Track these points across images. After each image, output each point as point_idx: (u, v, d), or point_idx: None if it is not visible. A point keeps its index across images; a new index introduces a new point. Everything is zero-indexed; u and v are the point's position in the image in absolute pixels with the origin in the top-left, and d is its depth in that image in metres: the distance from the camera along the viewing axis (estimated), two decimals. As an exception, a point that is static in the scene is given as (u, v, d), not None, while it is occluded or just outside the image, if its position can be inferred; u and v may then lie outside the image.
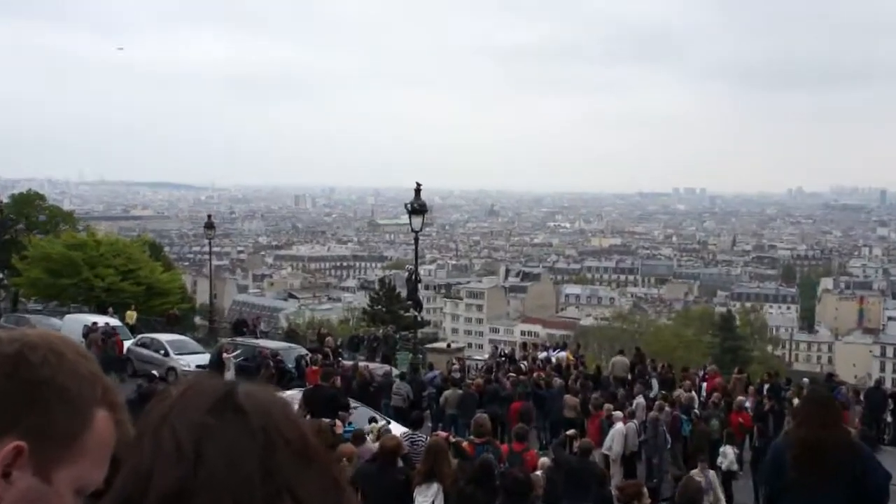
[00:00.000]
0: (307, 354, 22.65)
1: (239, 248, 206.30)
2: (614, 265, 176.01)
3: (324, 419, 11.54)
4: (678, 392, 18.52)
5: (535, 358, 23.81)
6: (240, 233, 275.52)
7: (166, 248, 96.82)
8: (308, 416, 12.13)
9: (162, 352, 24.86)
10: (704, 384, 20.82)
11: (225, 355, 22.27)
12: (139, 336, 26.77)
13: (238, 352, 22.70)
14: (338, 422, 11.71)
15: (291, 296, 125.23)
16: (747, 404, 17.70)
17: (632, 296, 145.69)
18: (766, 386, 20.90)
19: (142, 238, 45.95)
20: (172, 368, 23.65)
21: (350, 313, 53.53)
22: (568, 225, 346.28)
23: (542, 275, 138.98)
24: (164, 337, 26.23)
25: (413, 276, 23.69)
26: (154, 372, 19.33)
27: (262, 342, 25.47)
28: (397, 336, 30.75)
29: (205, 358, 24.43)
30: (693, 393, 18.83)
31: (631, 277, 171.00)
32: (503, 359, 24.79)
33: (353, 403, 14.98)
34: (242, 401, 0.92)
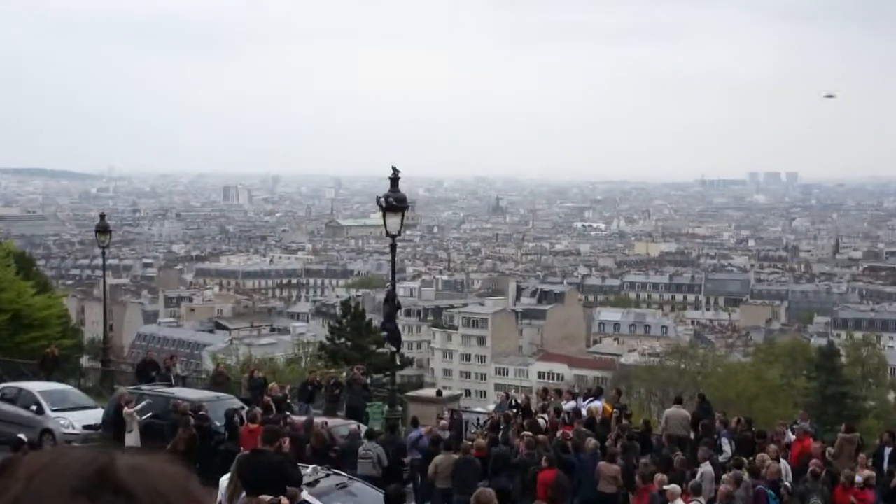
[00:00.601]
0: (242, 408, 22.65)
1: (146, 260, 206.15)
2: (668, 280, 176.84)
3: (264, 497, 11.54)
4: (761, 457, 18.60)
5: (558, 410, 23.86)
6: (147, 239, 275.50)
7: (40, 262, 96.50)
8: (243, 494, 12.15)
9: (34, 407, 24.84)
10: (795, 447, 20.87)
11: (126, 410, 22.21)
12: (0, 386, 26.72)
13: (144, 405, 22.69)
14: (284, 500, 11.72)
15: (220, 326, 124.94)
16: (859, 478, 17.73)
17: (693, 322, 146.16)
18: (889, 450, 20.70)
19: (4, 246, 45.53)
20: (48, 430, 23.60)
21: (302, 349, 53.55)
22: (602, 226, 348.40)
23: (568, 294, 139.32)
24: (36, 386, 26.21)
25: (390, 298, 23.72)
26: (21, 436, 18.89)
27: (179, 391, 25.53)
28: (368, 381, 30.72)
29: (96, 415, 24.45)
30: (782, 460, 18.91)
31: (691, 297, 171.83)
32: (515, 411, 24.82)
33: (312, 472, 14.98)
34: (125, 479, 0.87)
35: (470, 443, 19.65)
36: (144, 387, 25.79)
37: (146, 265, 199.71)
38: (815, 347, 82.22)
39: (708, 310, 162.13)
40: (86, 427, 24.67)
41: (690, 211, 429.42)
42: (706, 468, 17.65)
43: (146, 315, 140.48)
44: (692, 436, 21.66)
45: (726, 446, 20.76)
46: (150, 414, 22.89)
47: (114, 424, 22.74)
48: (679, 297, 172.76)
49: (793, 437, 21.05)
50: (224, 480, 13.46)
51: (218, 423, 22.04)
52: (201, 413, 21.81)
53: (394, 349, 24.63)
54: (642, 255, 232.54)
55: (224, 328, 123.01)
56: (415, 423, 21.74)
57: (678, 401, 24.44)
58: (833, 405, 55.55)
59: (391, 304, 23.81)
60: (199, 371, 48.71)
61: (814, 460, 18.28)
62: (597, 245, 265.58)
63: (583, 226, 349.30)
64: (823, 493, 16.71)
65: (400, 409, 24.61)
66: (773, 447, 19.70)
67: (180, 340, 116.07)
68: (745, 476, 16.75)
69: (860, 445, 21.09)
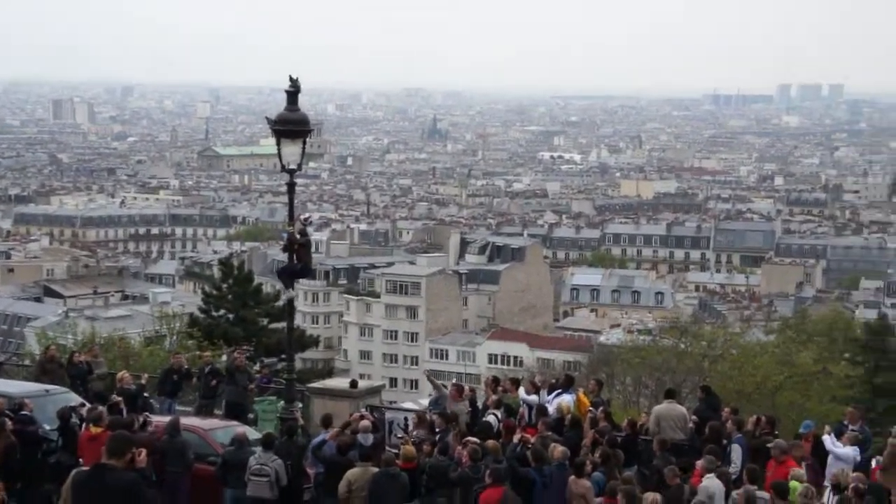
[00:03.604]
0: (82, 405, 22.49)
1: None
2: (664, 232, 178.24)
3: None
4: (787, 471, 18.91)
5: (513, 407, 24.06)
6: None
7: None
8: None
9: None
10: (835, 452, 21.17)
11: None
12: None
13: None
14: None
15: (50, 292, 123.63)
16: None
17: (697, 288, 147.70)
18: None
19: None
20: None
21: (165, 324, 53.16)
22: (577, 157, 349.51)
23: (530, 250, 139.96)
24: None
25: (289, 237, 23.26)
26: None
27: (-8, 383, 25.18)
28: (255, 367, 30.65)
29: None
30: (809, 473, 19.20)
31: (695, 254, 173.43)
32: (464, 406, 24.97)
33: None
34: None
35: (395, 451, 19.76)
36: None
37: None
38: (861, 322, 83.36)
39: (718, 271, 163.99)
40: None
41: (697, 137, 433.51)
42: (711, 484, 17.90)
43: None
44: (690, 442, 21.92)
45: (738, 455, 21.04)
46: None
47: None
48: (679, 253, 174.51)
49: (838, 446, 21.23)
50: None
51: (47, 427, 21.83)
52: (23, 413, 21.63)
53: (292, 293, 24.35)
54: (630, 198, 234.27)
55: (56, 295, 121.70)
56: (326, 424, 21.75)
57: (670, 394, 24.70)
58: (885, 398, 56.47)
59: (290, 243, 23.35)
60: (20, 355, 48.24)
61: (855, 474, 18.62)
62: (569, 184, 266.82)
63: (551, 157, 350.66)
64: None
65: (300, 405, 24.60)
66: (800, 452, 20.04)
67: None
68: (764, 497, 17.01)
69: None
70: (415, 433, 22.09)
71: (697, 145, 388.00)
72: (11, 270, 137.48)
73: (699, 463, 18.90)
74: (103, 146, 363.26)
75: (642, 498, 16.60)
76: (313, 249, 24.45)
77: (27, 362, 35.59)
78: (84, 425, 20.66)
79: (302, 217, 23.92)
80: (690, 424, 22.65)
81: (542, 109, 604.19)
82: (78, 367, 27.42)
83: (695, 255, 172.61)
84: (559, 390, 24.66)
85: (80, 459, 18.79)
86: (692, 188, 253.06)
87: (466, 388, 26.57)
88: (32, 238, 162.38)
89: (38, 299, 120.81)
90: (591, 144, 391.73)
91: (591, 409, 23.29)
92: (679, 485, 18.16)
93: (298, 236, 22.64)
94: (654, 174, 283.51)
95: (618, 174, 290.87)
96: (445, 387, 26.58)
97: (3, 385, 25.19)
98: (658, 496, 16.65)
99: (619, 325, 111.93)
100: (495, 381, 25.87)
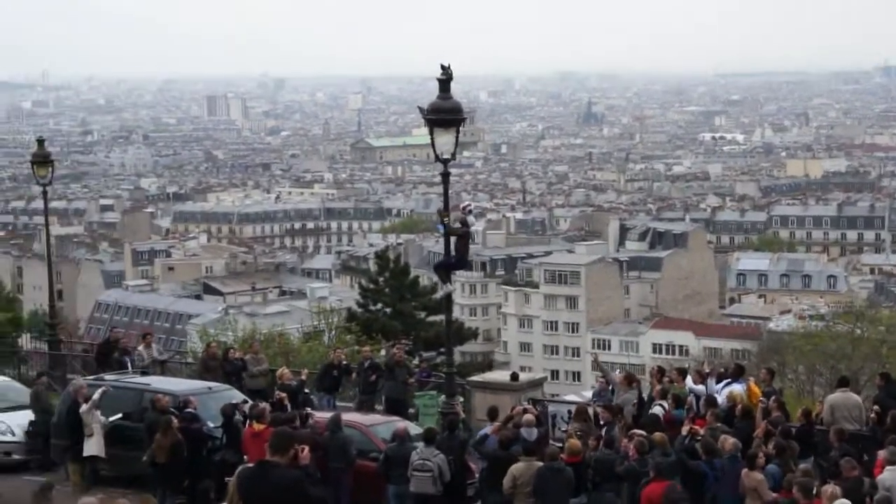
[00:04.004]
0: (245, 402, 22.97)
1: (104, 202, 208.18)
2: (835, 213, 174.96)
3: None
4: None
5: (681, 397, 23.90)
6: (104, 171, 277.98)
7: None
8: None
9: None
10: None
11: (84, 407, 22.63)
12: None
13: (101, 394, 23.04)
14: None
15: (209, 290, 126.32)
16: None
17: (872, 271, 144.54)
18: None
19: None
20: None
21: (323, 319, 53.81)
22: (741, 137, 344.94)
23: (692, 235, 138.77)
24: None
25: (445, 226, 23.45)
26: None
27: (157, 381, 25.68)
28: (415, 359, 30.89)
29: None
30: None
31: (869, 235, 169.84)
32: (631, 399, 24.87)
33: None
34: None
35: (559, 445, 19.78)
36: (108, 376, 26.13)
37: (104, 208, 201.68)
38: None
39: (894, 252, 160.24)
40: (29, 433, 25.30)
41: (868, 112, 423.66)
42: (893, 476, 17.59)
43: (107, 277, 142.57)
44: (871, 432, 21.56)
45: (921, 445, 20.62)
46: (119, 415, 23.31)
47: (69, 428, 23.21)
48: (852, 234, 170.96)
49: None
50: None
51: (211, 425, 22.34)
52: (188, 411, 22.18)
53: (450, 288, 24.47)
54: (797, 178, 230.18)
55: (215, 292, 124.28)
56: (492, 417, 21.83)
57: (844, 382, 24.29)
58: None
59: (447, 233, 23.52)
60: (183, 353, 49.34)
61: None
62: (732, 165, 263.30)
63: (712, 138, 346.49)
64: None
65: (461, 399, 24.76)
66: None
67: (156, 311, 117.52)
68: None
69: None
70: (575, 426, 22.06)
71: (868, 121, 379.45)
72: (172, 269, 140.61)
73: (881, 454, 18.58)
74: (257, 141, 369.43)
75: (820, 491, 16.40)
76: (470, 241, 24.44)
77: (190, 360, 36.33)
78: (247, 422, 21.11)
79: (462, 206, 24.03)
80: (872, 414, 22.27)
81: (703, 89, 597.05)
82: (234, 363, 27.93)
83: (868, 235, 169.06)
84: (728, 380, 24.46)
85: (245, 456, 19.21)
86: (864, 166, 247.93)
87: (623, 376, 26.45)
88: (191, 236, 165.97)
89: (198, 297, 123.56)
90: (755, 123, 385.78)
91: (762, 399, 23.04)
92: (858, 477, 17.87)
93: (459, 225, 22.78)
94: (823, 152, 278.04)
95: (783, 154, 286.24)
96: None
97: (168, 383, 25.78)
98: (837, 489, 16.41)
99: (789, 311, 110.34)
100: (661, 372, 25.68)
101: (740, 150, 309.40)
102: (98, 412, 22.69)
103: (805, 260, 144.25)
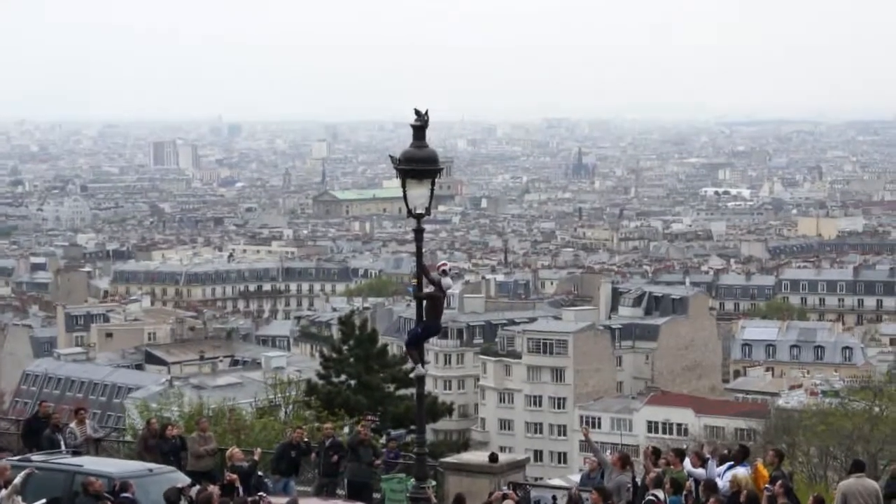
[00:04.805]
0: (192, 485, 22.71)
1: (35, 259, 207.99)
2: (851, 277, 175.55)
3: None
4: None
5: (679, 482, 23.75)
6: (36, 226, 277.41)
7: None
8: None
9: None
10: None
11: (2, 493, 22.30)
12: None
13: (27, 478, 22.68)
14: None
15: (152, 359, 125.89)
16: None
17: (892, 342, 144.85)
18: None
19: None
20: None
21: (280, 393, 53.54)
22: (747, 192, 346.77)
23: (693, 300, 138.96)
24: None
25: (417, 294, 23.41)
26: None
27: (90, 461, 25.52)
28: (382, 438, 30.72)
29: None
30: None
31: (889, 302, 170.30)
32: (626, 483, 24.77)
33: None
34: None
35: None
36: (36, 456, 25.88)
37: (35, 267, 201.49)
38: None
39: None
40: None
41: (888, 165, 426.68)
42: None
43: (37, 344, 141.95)
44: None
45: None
46: (43, 501, 22.97)
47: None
48: (870, 301, 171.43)
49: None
50: None
51: (151, 512, 22.04)
52: (125, 496, 21.98)
53: (422, 371, 24.41)
54: (809, 238, 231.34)
55: (159, 362, 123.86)
56: (458, 507, 21.74)
57: (859, 467, 24.18)
58: None
59: (419, 304, 23.49)
60: (121, 430, 48.95)
61: None
62: (737, 223, 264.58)
63: (715, 193, 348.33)
64: None
65: (433, 483, 24.61)
66: None
67: (91, 383, 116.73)
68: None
69: None
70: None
71: (888, 175, 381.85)
72: (110, 335, 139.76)
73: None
74: (209, 193, 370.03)
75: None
76: (445, 305, 24.34)
77: (129, 438, 36.10)
78: (191, 509, 20.89)
79: (438, 265, 23.97)
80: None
81: (705, 138, 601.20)
82: (170, 441, 27.83)
83: (888, 303, 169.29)
84: (731, 462, 24.38)
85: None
86: (883, 225, 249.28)
87: (615, 456, 26.35)
88: (133, 298, 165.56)
89: (139, 367, 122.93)
90: (763, 177, 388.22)
91: (767, 486, 22.96)
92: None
93: (433, 289, 22.70)
94: (838, 210, 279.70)
95: (794, 211, 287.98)
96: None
97: (103, 464, 25.54)
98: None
99: (799, 386, 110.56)
100: (656, 453, 25.61)
101: (746, 206, 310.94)
102: (19, 498, 22.32)
103: (818, 329, 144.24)
